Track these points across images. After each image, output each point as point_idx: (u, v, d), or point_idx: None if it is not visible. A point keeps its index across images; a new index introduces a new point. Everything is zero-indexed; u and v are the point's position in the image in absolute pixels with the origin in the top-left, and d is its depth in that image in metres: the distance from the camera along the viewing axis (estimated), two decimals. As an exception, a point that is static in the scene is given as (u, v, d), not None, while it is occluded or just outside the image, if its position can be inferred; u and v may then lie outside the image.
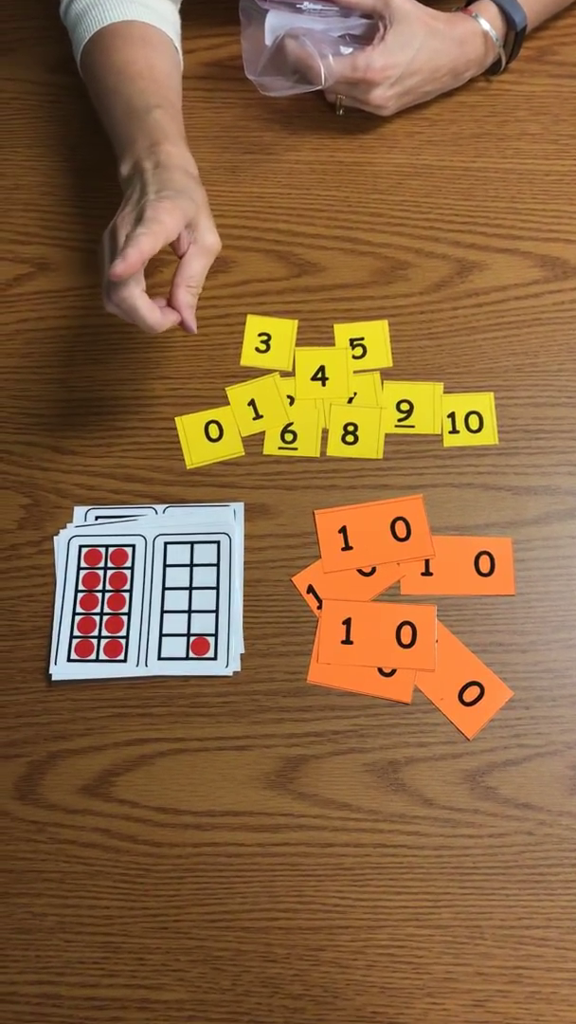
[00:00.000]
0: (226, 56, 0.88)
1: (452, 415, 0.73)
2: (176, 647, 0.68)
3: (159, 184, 0.66)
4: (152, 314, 0.64)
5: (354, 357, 0.76)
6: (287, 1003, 0.60)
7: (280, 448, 0.73)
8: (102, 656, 0.68)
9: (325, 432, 0.74)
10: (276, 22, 0.77)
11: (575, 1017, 0.58)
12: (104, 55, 0.76)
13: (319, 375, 0.75)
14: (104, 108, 0.76)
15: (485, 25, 0.79)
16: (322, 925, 0.61)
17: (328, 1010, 0.59)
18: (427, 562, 0.69)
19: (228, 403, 0.75)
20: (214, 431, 0.74)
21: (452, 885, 0.61)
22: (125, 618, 0.69)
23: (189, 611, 0.69)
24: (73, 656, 0.68)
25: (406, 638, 0.67)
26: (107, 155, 0.84)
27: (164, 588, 0.69)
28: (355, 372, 0.75)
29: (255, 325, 0.77)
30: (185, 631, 0.68)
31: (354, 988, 0.60)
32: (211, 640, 0.68)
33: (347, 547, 0.70)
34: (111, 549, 0.71)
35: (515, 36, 0.80)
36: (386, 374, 0.75)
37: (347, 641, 0.67)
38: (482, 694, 0.65)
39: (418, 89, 0.80)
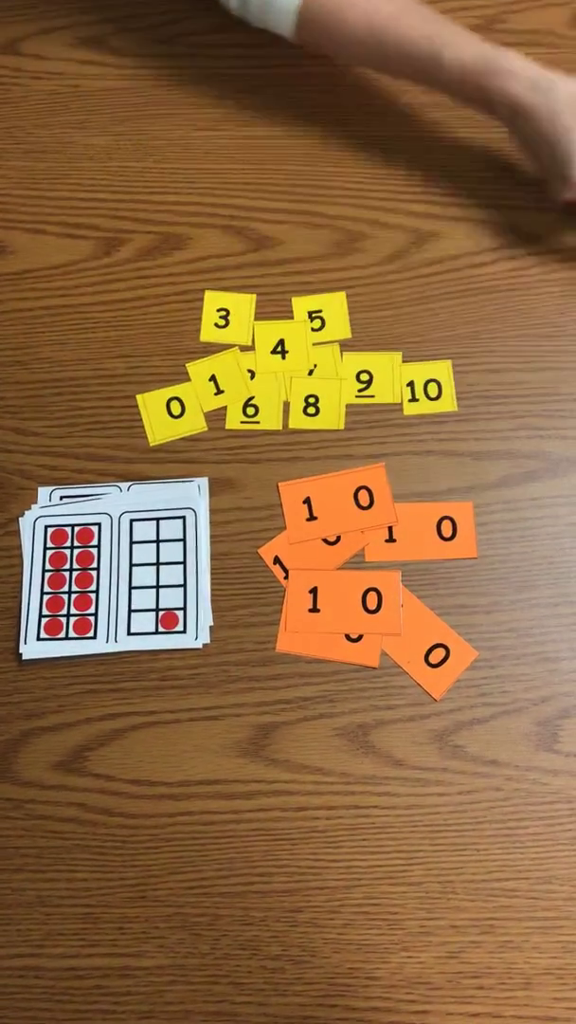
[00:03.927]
0: (177, 33, 0.88)
1: (411, 384, 0.74)
2: (145, 622, 0.68)
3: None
4: None
5: (313, 330, 0.76)
6: (266, 963, 0.61)
7: (242, 422, 0.74)
8: (72, 634, 0.68)
9: (286, 405, 0.74)
10: None
11: (546, 963, 0.60)
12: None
13: (279, 348, 0.76)
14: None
15: None
16: (298, 887, 0.62)
17: (306, 968, 0.61)
18: (390, 529, 0.70)
19: (189, 379, 0.75)
20: (176, 408, 0.74)
21: (424, 843, 0.63)
22: (93, 596, 0.69)
23: (157, 586, 0.69)
24: (43, 635, 0.68)
25: (372, 604, 0.68)
26: (62, 136, 0.85)
27: (131, 565, 0.70)
28: (314, 344, 0.76)
29: (213, 301, 0.77)
30: (154, 606, 0.69)
31: (331, 946, 0.61)
32: (180, 614, 0.68)
33: (312, 517, 0.71)
34: (77, 528, 0.71)
35: None
36: (345, 345, 0.76)
37: (314, 609, 0.68)
38: (448, 655, 0.66)
39: None
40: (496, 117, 0.73)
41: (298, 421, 0.74)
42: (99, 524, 0.71)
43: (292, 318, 0.77)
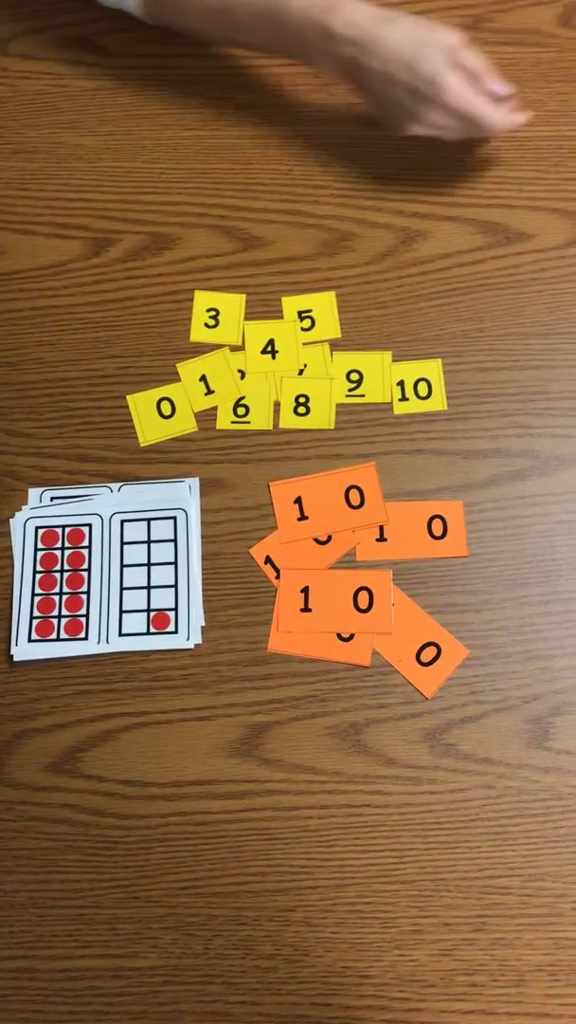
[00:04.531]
0: (165, 32, 0.88)
1: (401, 383, 0.74)
2: (137, 623, 0.68)
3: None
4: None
5: (303, 329, 0.76)
6: (259, 963, 0.61)
7: (233, 422, 0.74)
8: (63, 635, 0.68)
9: (277, 405, 0.74)
10: None
11: (538, 960, 0.60)
12: None
13: (269, 348, 0.76)
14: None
15: None
16: (291, 886, 0.62)
17: (299, 968, 0.61)
18: (381, 528, 0.70)
19: (179, 379, 0.75)
20: (166, 408, 0.74)
21: (416, 841, 0.63)
22: (84, 597, 0.69)
23: (148, 587, 0.69)
24: (34, 636, 0.68)
25: (363, 603, 0.68)
26: (51, 136, 0.85)
27: (122, 565, 0.70)
28: (304, 344, 0.76)
29: (203, 301, 0.77)
30: (145, 607, 0.69)
31: (324, 945, 0.61)
32: (171, 614, 0.68)
33: (303, 517, 0.71)
34: (68, 529, 0.71)
35: None
36: (335, 345, 0.76)
37: (306, 609, 0.68)
38: (439, 654, 0.66)
39: None
40: (337, 65, 0.74)
41: (288, 421, 0.74)
42: (90, 525, 0.71)
43: (282, 318, 0.77)
